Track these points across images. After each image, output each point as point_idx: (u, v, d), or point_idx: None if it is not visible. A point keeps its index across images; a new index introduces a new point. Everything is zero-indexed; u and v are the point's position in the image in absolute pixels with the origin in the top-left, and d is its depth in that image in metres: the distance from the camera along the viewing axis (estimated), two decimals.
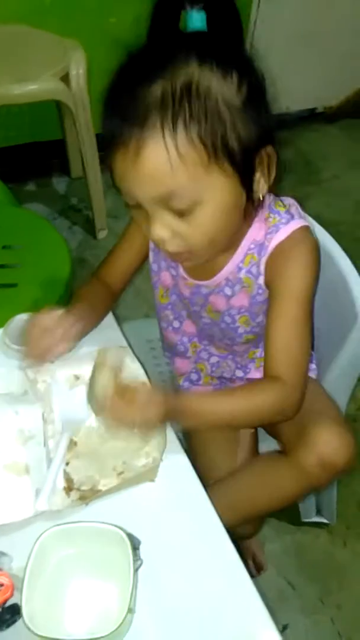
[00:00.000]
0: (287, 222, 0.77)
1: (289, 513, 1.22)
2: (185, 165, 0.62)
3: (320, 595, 1.17)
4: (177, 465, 0.73)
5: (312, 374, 0.97)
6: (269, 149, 0.69)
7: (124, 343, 0.87)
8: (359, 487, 1.33)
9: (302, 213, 0.81)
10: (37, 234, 1.34)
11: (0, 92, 1.48)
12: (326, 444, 0.77)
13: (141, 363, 0.82)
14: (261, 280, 0.79)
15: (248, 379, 0.98)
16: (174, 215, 0.67)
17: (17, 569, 0.64)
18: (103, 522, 0.58)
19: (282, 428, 0.87)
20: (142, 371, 0.80)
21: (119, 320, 0.92)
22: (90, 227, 1.96)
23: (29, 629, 0.51)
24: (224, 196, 0.67)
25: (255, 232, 0.78)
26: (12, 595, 0.60)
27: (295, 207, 0.80)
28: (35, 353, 0.76)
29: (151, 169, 0.63)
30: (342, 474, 0.80)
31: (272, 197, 0.79)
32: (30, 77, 1.50)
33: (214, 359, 0.99)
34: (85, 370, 0.81)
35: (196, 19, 0.66)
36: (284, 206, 0.79)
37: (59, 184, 2.17)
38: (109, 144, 0.66)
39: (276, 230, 0.76)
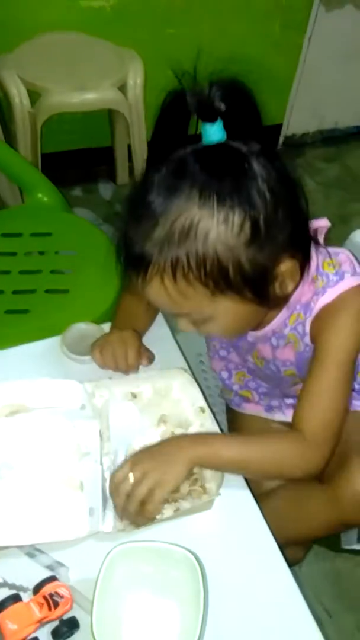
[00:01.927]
0: (335, 283, 0.74)
1: (329, 539, 1.20)
2: (187, 300, 0.64)
3: (357, 625, 1.14)
4: (235, 491, 0.73)
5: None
6: (286, 263, 0.66)
7: (181, 359, 0.87)
8: None
9: (358, 267, 0.77)
10: (88, 241, 1.35)
11: (59, 100, 1.50)
12: None
13: (197, 381, 0.82)
14: (307, 339, 0.78)
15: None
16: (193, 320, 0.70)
17: (74, 581, 0.64)
18: (172, 544, 0.58)
19: None
20: (200, 395, 0.80)
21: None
22: None
23: None
24: (236, 311, 0.68)
25: (303, 294, 0.76)
26: (71, 608, 0.61)
27: (349, 262, 0.76)
28: (123, 366, 0.81)
29: (158, 301, 0.67)
30: None
31: (322, 255, 0.76)
32: (89, 86, 1.52)
33: (262, 389, 0.99)
34: (143, 388, 0.81)
35: (215, 133, 0.61)
36: (334, 266, 0.75)
37: (105, 190, 2.19)
38: (124, 260, 0.67)
39: (323, 292, 0.74)
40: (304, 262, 0.71)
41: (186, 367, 0.85)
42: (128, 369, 0.81)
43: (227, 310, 0.67)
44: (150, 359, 0.83)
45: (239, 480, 0.74)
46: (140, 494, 0.66)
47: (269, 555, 0.69)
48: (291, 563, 0.87)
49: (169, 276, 0.62)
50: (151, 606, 0.60)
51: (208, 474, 0.72)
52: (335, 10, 2.05)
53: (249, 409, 1.01)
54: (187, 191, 0.60)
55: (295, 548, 1.00)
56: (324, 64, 2.17)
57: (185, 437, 0.75)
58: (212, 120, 0.61)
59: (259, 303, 0.68)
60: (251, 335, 0.83)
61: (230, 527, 0.71)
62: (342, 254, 0.78)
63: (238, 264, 0.63)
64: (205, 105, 0.61)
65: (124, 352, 0.81)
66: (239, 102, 0.62)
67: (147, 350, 0.84)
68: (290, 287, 0.70)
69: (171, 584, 0.58)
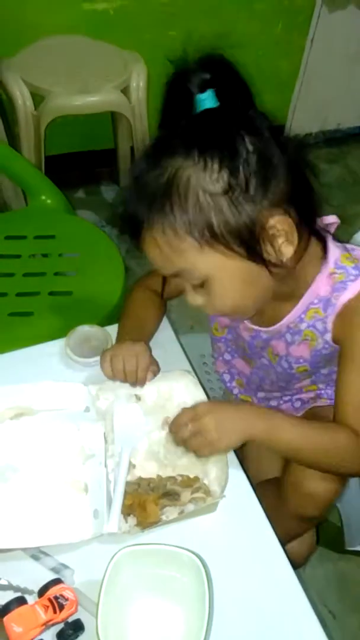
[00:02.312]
0: (356, 278, 0.73)
1: (332, 540, 1.20)
2: (178, 254, 0.65)
3: None
4: (239, 492, 0.73)
5: None
6: (276, 220, 0.65)
7: (185, 361, 0.87)
8: None
9: None
10: (91, 243, 1.36)
11: (62, 102, 1.51)
12: (309, 477, 0.78)
13: (201, 383, 0.83)
14: (328, 337, 0.78)
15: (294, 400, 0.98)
16: (195, 286, 0.70)
17: (79, 583, 0.65)
18: (178, 547, 0.58)
19: None
20: (204, 397, 0.80)
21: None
22: None
23: None
24: (229, 271, 0.67)
25: (319, 286, 0.75)
26: (76, 610, 0.61)
27: None
28: (133, 380, 0.81)
29: (152, 257, 0.68)
30: (326, 508, 0.83)
31: (339, 249, 0.76)
32: (92, 88, 1.52)
33: (260, 394, 0.99)
34: (147, 391, 0.81)
35: (205, 100, 0.64)
36: (353, 260, 0.75)
37: (108, 192, 2.20)
38: (127, 229, 0.68)
39: (344, 287, 0.73)
40: (305, 228, 0.69)
41: (190, 369, 0.86)
42: (137, 383, 0.81)
43: (221, 267, 0.66)
44: (155, 373, 0.82)
45: (243, 482, 0.74)
46: (191, 446, 0.71)
47: (273, 557, 0.69)
48: (296, 562, 0.88)
49: (159, 230, 0.64)
50: (156, 608, 0.60)
51: (212, 476, 0.72)
52: (338, 11, 2.05)
53: None
54: (172, 147, 0.64)
55: (297, 544, 0.98)
56: (326, 65, 2.17)
57: (250, 408, 0.77)
58: (202, 89, 0.64)
59: (254, 261, 0.66)
60: (265, 332, 0.83)
61: (235, 529, 0.71)
62: (357, 250, 0.77)
63: (220, 212, 0.63)
64: (193, 76, 0.64)
65: (134, 366, 0.80)
66: (224, 74, 0.65)
67: (155, 363, 0.83)
68: (288, 251, 0.67)
69: (176, 587, 0.58)
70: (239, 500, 0.72)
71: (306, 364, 0.83)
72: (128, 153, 2.05)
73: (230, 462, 0.73)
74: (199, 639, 0.52)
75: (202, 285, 0.69)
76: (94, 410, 0.79)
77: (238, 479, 0.74)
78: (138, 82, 1.59)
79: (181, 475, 0.74)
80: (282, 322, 0.80)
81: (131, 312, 0.91)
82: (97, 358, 0.84)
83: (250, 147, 0.63)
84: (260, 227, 0.65)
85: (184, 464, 0.75)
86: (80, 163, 2.13)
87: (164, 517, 0.69)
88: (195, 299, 0.72)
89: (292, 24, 2.01)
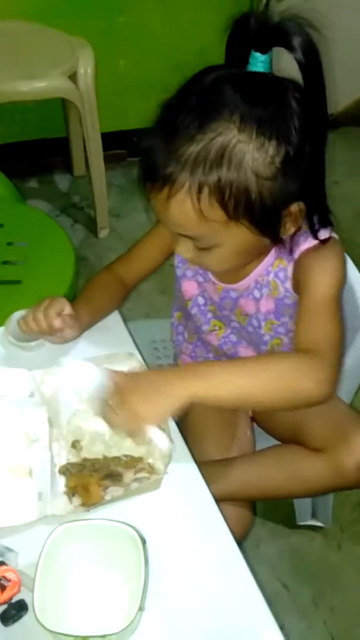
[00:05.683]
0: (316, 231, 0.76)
1: (284, 516, 1.24)
2: (205, 222, 0.66)
3: (313, 598, 1.18)
4: (182, 465, 0.74)
5: None
6: (298, 206, 0.69)
7: (131, 345, 0.88)
8: (354, 490, 1.34)
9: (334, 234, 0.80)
10: (41, 232, 1.35)
11: (7, 88, 1.48)
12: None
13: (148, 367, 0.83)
14: (288, 284, 0.80)
15: None
16: (196, 246, 0.72)
17: (23, 565, 0.65)
18: (113, 520, 0.59)
19: (312, 426, 0.86)
20: None
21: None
22: (91, 226, 1.96)
23: (40, 624, 0.51)
24: (242, 242, 0.70)
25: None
26: (19, 591, 0.61)
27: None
28: (43, 327, 0.80)
29: (175, 218, 0.68)
30: None
31: None
32: (39, 74, 1.50)
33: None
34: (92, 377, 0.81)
35: (259, 62, 0.63)
36: None
37: (61, 181, 2.17)
38: (146, 175, 0.67)
39: (305, 238, 0.76)
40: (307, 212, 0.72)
41: (135, 351, 0.86)
42: (48, 333, 0.81)
43: (234, 239, 0.69)
44: (66, 324, 0.81)
45: (187, 459, 0.75)
46: (127, 432, 0.72)
47: (216, 531, 0.69)
48: (242, 528, 0.90)
49: (194, 195, 0.63)
50: (97, 583, 0.61)
51: (156, 454, 0.74)
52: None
53: None
54: (227, 115, 0.62)
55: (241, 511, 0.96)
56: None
57: (180, 370, 0.79)
58: (265, 49, 0.63)
59: (265, 236, 0.70)
60: (234, 290, 0.85)
61: (178, 505, 0.71)
62: None
63: (260, 194, 0.64)
64: (265, 31, 0.63)
65: (42, 318, 0.80)
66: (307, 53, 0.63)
67: (70, 316, 0.81)
68: (290, 231, 0.72)
69: (116, 560, 0.59)
70: (182, 476, 0.73)
71: (272, 316, 0.85)
72: (81, 141, 2.02)
73: (174, 439, 0.75)
74: (134, 608, 0.53)
75: (204, 249, 0.71)
76: (39, 395, 0.79)
77: (182, 456, 0.75)
78: (86, 68, 1.58)
79: (126, 456, 0.75)
80: (250, 276, 0.81)
81: (85, 289, 0.92)
82: (39, 341, 0.84)
83: (300, 134, 0.64)
84: (284, 211, 0.68)
85: (130, 445, 0.76)
86: (32, 152, 2.10)
87: (107, 497, 0.69)
88: (188, 253, 0.73)
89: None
